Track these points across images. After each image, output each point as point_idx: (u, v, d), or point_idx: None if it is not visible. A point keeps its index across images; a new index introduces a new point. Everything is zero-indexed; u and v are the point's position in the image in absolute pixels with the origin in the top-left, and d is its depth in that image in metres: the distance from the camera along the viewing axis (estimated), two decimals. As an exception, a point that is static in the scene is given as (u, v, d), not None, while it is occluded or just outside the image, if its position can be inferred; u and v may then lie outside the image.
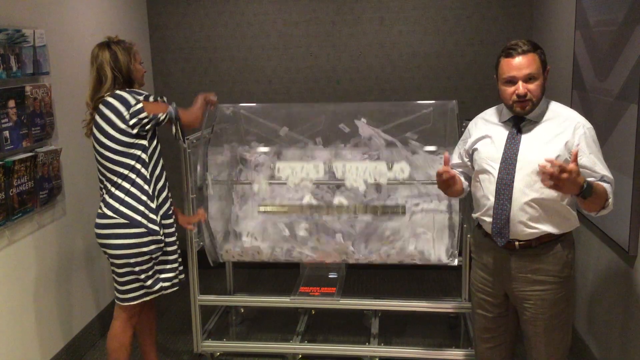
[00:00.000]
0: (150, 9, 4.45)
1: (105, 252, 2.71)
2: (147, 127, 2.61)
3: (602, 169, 2.20)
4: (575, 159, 2.00)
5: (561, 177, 1.97)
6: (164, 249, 2.76)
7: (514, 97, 2.19)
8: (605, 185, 2.17)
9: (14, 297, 2.82)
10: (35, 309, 2.98)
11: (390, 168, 3.15)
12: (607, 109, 2.76)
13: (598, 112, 2.88)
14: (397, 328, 3.62)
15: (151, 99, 2.64)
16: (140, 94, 2.62)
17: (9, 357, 2.78)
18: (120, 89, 2.62)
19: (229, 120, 3.50)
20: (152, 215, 2.68)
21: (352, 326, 3.65)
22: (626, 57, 2.56)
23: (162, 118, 2.62)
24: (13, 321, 2.81)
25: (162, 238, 2.73)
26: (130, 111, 2.56)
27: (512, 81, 2.19)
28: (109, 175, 2.64)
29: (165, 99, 2.72)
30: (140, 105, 2.57)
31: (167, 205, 2.79)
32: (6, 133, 2.67)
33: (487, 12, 4.24)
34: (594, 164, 2.19)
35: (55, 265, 3.16)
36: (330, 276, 3.51)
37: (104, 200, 2.66)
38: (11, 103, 2.70)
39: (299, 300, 3.30)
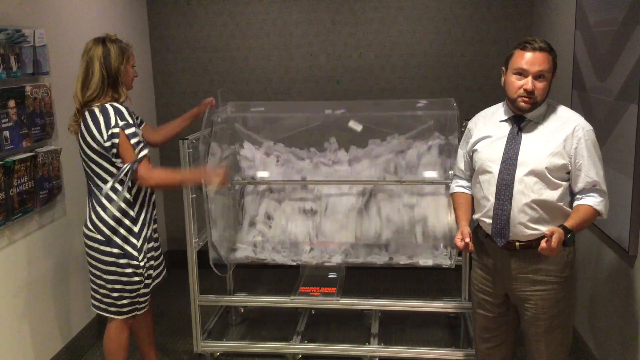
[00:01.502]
0: (150, 9, 4.45)
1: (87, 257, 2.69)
2: (112, 152, 2.52)
3: (595, 175, 2.19)
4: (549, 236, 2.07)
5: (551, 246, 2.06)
6: (145, 275, 2.69)
7: (521, 91, 2.19)
8: (593, 202, 2.19)
9: (14, 297, 2.81)
10: (35, 309, 2.98)
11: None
12: (607, 109, 2.76)
13: (598, 112, 2.88)
14: (397, 328, 3.61)
15: (128, 131, 2.49)
16: (123, 118, 2.51)
17: (9, 357, 2.78)
18: (106, 92, 2.55)
19: (228, 120, 3.50)
20: (132, 239, 2.63)
21: (352, 326, 3.65)
22: (626, 57, 2.56)
23: (116, 161, 2.54)
24: (13, 321, 2.81)
25: (142, 264, 2.65)
26: (109, 133, 2.49)
27: (523, 74, 2.19)
28: (90, 182, 2.63)
29: (141, 154, 2.53)
30: (117, 131, 2.48)
31: (151, 229, 2.73)
32: (6, 133, 2.67)
33: (487, 12, 4.24)
34: (588, 167, 2.19)
35: (55, 265, 3.16)
36: (330, 276, 3.51)
37: (88, 207, 2.65)
38: (11, 103, 2.70)
39: (299, 300, 3.30)
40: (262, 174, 3.34)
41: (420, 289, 4.22)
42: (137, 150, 2.52)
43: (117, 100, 2.59)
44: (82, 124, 2.56)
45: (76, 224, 3.35)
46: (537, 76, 2.18)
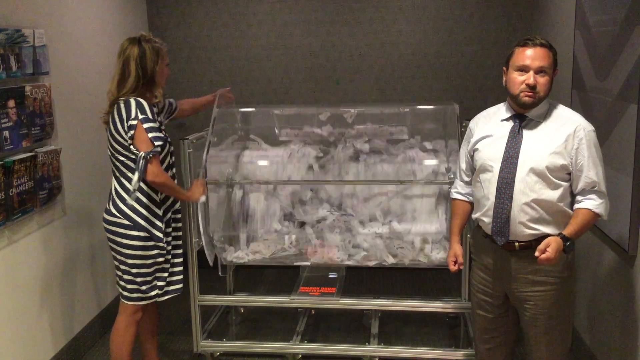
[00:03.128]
0: (150, 9, 4.45)
1: (110, 244, 2.74)
2: (130, 144, 2.61)
3: (595, 176, 2.19)
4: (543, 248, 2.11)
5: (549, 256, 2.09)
6: (167, 256, 2.80)
7: (522, 86, 2.20)
8: (592, 204, 2.19)
9: (14, 297, 2.81)
10: (35, 309, 2.98)
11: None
12: (607, 109, 2.76)
13: (598, 112, 2.88)
14: (397, 328, 3.61)
15: (147, 125, 2.57)
16: (144, 112, 2.58)
17: (10, 356, 2.78)
18: (140, 91, 2.64)
19: (228, 120, 3.50)
20: (157, 222, 2.71)
21: (352, 326, 3.65)
22: (626, 57, 2.55)
23: (133, 149, 2.60)
24: (13, 321, 2.81)
25: (165, 245, 2.76)
26: (129, 124, 2.57)
27: (524, 70, 2.20)
28: (116, 172, 2.70)
29: (157, 148, 2.60)
30: (135, 122, 2.56)
31: (173, 213, 2.82)
32: (6, 133, 2.67)
33: (487, 12, 4.24)
34: (588, 168, 2.18)
35: (55, 265, 3.16)
36: (330, 276, 3.51)
37: (111, 194, 2.72)
38: (11, 103, 2.70)
39: (299, 300, 3.29)
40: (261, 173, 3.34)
41: (420, 289, 4.22)
42: (153, 143, 2.58)
43: (148, 100, 2.66)
44: (110, 117, 2.65)
45: (76, 224, 3.35)
46: (539, 71, 2.19)
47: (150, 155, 2.57)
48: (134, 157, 2.62)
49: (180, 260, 2.93)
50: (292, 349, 3.29)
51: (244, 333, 3.68)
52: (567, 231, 2.16)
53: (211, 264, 3.24)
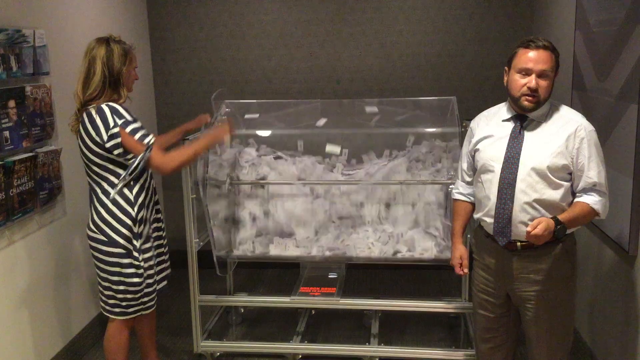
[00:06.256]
0: (150, 9, 4.45)
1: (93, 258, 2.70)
2: (116, 153, 2.53)
3: (595, 176, 2.19)
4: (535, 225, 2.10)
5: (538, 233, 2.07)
6: (145, 275, 2.70)
7: (524, 89, 2.20)
8: (591, 200, 2.19)
9: (14, 297, 2.81)
10: (35, 309, 2.98)
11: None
12: (607, 109, 2.76)
13: (598, 112, 2.88)
14: (397, 328, 3.61)
15: (129, 128, 2.50)
16: (121, 117, 2.51)
17: (8, 357, 2.77)
18: (107, 93, 2.56)
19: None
20: (133, 240, 2.63)
21: (352, 326, 3.65)
22: (626, 57, 2.56)
23: (129, 161, 2.53)
24: (12, 321, 2.81)
25: (142, 264, 2.66)
26: (109, 133, 2.48)
27: (526, 72, 2.20)
28: (90, 181, 2.64)
29: (150, 141, 2.54)
30: (116, 130, 2.48)
31: (155, 214, 2.78)
32: (6, 133, 2.67)
33: (487, 12, 4.24)
34: (588, 168, 2.19)
35: (55, 266, 3.16)
36: (330, 276, 3.51)
37: (91, 207, 2.65)
38: (11, 103, 2.70)
39: (299, 300, 3.29)
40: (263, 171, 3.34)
41: (420, 289, 4.22)
42: (145, 141, 2.52)
43: (116, 101, 2.58)
44: (80, 126, 2.56)
45: (76, 224, 3.35)
46: (541, 74, 2.18)
47: (148, 153, 2.52)
48: (115, 163, 2.55)
49: (166, 257, 2.87)
50: (292, 349, 3.29)
51: (244, 333, 3.68)
52: (561, 216, 2.16)
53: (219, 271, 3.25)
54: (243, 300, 3.65)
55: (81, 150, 2.60)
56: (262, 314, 3.89)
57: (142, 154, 2.52)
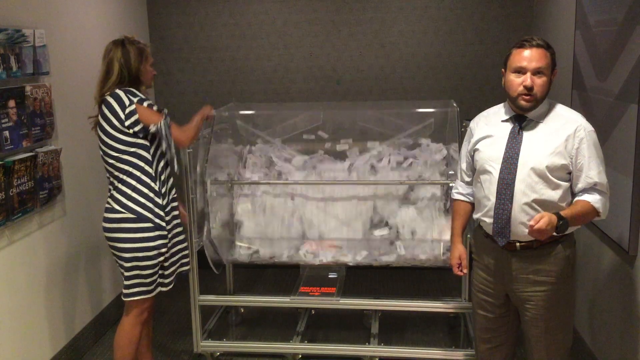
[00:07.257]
0: (150, 9, 4.45)
1: (112, 247, 2.74)
2: (137, 130, 2.62)
3: (596, 175, 2.19)
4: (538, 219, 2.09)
5: (541, 228, 2.06)
6: (169, 245, 2.79)
7: (520, 89, 2.20)
8: (593, 199, 2.19)
9: (14, 297, 2.81)
10: (35, 309, 2.98)
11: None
12: (607, 109, 2.76)
13: (598, 112, 2.88)
14: (397, 328, 3.61)
15: (146, 103, 2.63)
16: (135, 95, 2.63)
17: (10, 356, 2.78)
18: (121, 88, 2.64)
19: (229, 120, 3.50)
20: (158, 211, 2.72)
21: (352, 326, 3.64)
22: (626, 57, 2.56)
23: (151, 130, 2.63)
24: (13, 321, 2.81)
25: (167, 234, 2.76)
26: (126, 112, 2.59)
27: (521, 71, 2.20)
28: (114, 172, 2.70)
29: (165, 111, 2.70)
30: (133, 107, 2.60)
31: (173, 203, 2.84)
32: (6, 133, 2.67)
33: (487, 12, 4.24)
34: (588, 168, 2.18)
35: (56, 265, 3.16)
36: (330, 276, 3.51)
37: (111, 196, 2.72)
38: (11, 103, 2.70)
39: (299, 300, 3.29)
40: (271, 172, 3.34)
41: (420, 289, 4.22)
42: (161, 112, 2.66)
43: None
44: (100, 117, 2.66)
45: (76, 224, 3.35)
46: (536, 72, 2.18)
47: (168, 119, 2.65)
48: (139, 146, 2.64)
49: (185, 245, 2.96)
50: (292, 349, 3.29)
51: (244, 333, 3.68)
52: (563, 212, 2.15)
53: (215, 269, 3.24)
54: (243, 300, 3.65)
55: (101, 141, 2.67)
56: (262, 314, 3.89)
57: (162, 120, 2.63)
